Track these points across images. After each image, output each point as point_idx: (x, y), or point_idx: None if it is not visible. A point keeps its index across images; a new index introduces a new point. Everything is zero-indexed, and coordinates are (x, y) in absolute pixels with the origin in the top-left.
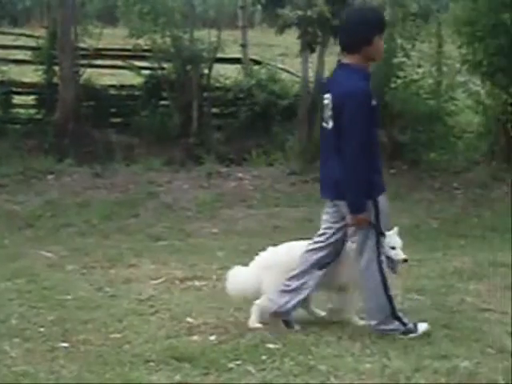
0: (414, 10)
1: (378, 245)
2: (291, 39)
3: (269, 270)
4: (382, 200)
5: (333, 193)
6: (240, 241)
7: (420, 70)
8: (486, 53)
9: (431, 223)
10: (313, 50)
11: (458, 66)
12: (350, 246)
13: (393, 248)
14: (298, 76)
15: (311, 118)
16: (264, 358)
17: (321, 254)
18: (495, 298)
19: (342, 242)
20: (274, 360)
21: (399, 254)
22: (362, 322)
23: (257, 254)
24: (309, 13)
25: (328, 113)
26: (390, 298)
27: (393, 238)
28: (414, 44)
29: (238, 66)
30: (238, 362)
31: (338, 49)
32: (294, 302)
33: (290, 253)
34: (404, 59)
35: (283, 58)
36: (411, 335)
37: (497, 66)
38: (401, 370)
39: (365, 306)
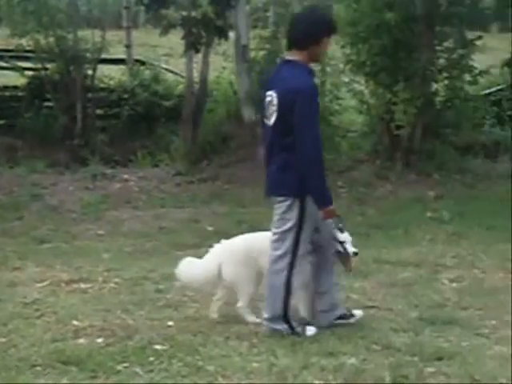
0: (297, 11)
1: (296, 247)
2: (176, 40)
3: (228, 261)
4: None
5: (277, 189)
6: (126, 242)
7: None
8: (369, 53)
9: None
10: (197, 51)
11: (341, 66)
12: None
13: (342, 243)
14: (182, 76)
15: (196, 118)
16: (152, 359)
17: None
18: (380, 294)
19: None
20: (162, 361)
21: (349, 248)
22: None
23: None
24: (193, 13)
25: (271, 109)
26: (286, 301)
27: (339, 234)
28: None
29: (123, 66)
30: (125, 364)
31: (221, 49)
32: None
33: (247, 243)
34: None
35: (168, 58)
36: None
37: (380, 66)
38: (288, 368)
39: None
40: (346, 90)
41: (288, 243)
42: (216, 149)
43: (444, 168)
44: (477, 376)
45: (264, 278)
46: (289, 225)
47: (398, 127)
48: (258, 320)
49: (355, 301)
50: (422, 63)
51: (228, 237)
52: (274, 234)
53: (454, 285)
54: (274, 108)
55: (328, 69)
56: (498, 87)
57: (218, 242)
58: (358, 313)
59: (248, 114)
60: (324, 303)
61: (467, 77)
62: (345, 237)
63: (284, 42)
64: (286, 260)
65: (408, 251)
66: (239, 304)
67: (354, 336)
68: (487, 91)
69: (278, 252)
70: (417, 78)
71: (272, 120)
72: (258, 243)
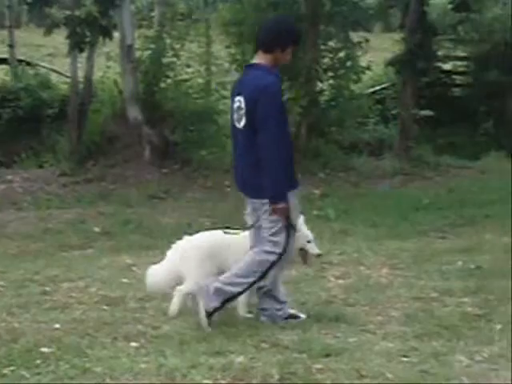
0: (182, 10)
1: (287, 243)
2: (60, 39)
3: (188, 257)
4: (292, 196)
5: (249, 192)
6: (10, 244)
7: (189, 70)
8: (254, 52)
9: (203, 222)
10: (81, 50)
11: (227, 65)
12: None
13: (308, 242)
14: (67, 76)
15: (81, 118)
16: (38, 362)
17: None
18: None
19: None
20: (49, 364)
21: (314, 248)
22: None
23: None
24: (77, 12)
25: (240, 112)
26: (241, 291)
27: (308, 232)
28: (183, 44)
29: (6, 66)
30: (11, 368)
31: (107, 49)
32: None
33: (210, 240)
34: (173, 59)
35: (51, 58)
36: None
37: None
38: (177, 368)
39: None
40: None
41: (281, 241)
42: (102, 149)
43: (329, 166)
44: (364, 372)
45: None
46: (279, 225)
47: None
48: (173, 312)
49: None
50: (306, 63)
51: (114, 237)
52: (265, 237)
53: (341, 282)
54: (243, 112)
55: (214, 68)
56: (382, 86)
57: (104, 242)
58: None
59: (133, 113)
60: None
61: (352, 76)
62: (311, 236)
63: (169, 41)
64: (273, 257)
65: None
66: (181, 287)
67: (241, 335)
68: (371, 90)
69: (267, 248)
70: (302, 77)
71: (242, 123)
72: (219, 240)
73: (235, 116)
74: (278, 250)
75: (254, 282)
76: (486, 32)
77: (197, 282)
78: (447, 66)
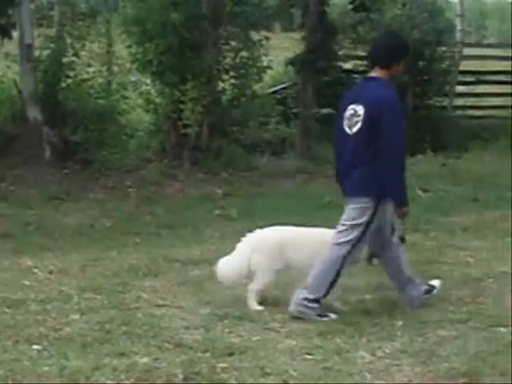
0: (82, 9)
1: (361, 238)
2: None
3: (260, 251)
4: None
5: (359, 191)
6: None
7: (90, 70)
8: (155, 52)
9: (105, 222)
10: None
11: (128, 65)
12: None
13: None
14: None
15: None
16: None
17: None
18: (171, 293)
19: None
20: None
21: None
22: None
23: None
24: None
25: (353, 119)
26: (331, 285)
27: None
28: (83, 43)
29: None
30: None
31: (5, 48)
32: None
33: (283, 235)
34: (74, 58)
35: None
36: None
37: (166, 65)
38: (80, 370)
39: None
40: (133, 89)
41: (355, 234)
42: (0, 150)
43: (231, 166)
44: (268, 369)
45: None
46: (361, 220)
47: (186, 126)
48: (258, 308)
49: (146, 300)
50: (208, 62)
51: (14, 239)
52: (343, 225)
53: (244, 281)
54: (359, 119)
55: (115, 68)
56: (283, 85)
57: (4, 244)
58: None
59: (33, 114)
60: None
61: (254, 76)
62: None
63: (69, 40)
64: (347, 247)
65: (198, 249)
66: (251, 286)
67: (145, 335)
68: (272, 89)
69: (342, 240)
70: (203, 77)
71: (354, 129)
72: (289, 236)
73: (346, 122)
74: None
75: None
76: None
77: (265, 281)
78: (348, 66)
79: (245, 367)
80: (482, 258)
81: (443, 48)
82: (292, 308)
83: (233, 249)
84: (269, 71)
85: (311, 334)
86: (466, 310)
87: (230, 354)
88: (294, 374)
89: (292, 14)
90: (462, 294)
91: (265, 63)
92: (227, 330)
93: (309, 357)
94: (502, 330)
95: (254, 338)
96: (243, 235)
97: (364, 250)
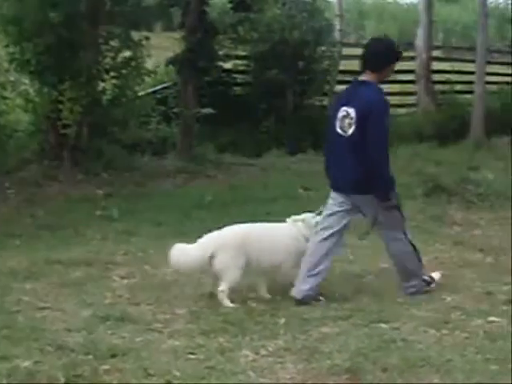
0: None
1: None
2: None
3: (223, 251)
4: None
5: (349, 189)
6: None
7: None
8: (33, 51)
9: None
10: None
11: (6, 65)
12: None
13: None
14: None
15: None
16: None
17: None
18: (52, 295)
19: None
20: None
21: None
22: None
23: None
24: None
25: (346, 121)
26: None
27: None
28: None
29: None
30: None
31: None
32: (315, 285)
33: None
34: None
35: None
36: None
37: (45, 65)
38: None
39: None
40: (11, 89)
41: (395, 220)
42: None
43: (112, 166)
44: (151, 370)
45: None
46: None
47: (65, 126)
48: (231, 305)
49: (27, 302)
50: (87, 62)
51: None
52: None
53: (126, 281)
54: (352, 121)
55: None
56: (164, 85)
57: None
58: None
59: None
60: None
61: (135, 76)
62: None
63: None
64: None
65: (79, 250)
66: (220, 288)
67: (26, 338)
68: (153, 89)
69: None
70: (82, 76)
71: (350, 131)
72: (250, 233)
73: (338, 123)
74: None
75: None
76: (266, 32)
77: (232, 279)
78: (228, 65)
79: (128, 368)
80: (363, 254)
81: (323, 48)
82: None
83: (115, 249)
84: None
85: (194, 334)
86: (348, 306)
87: (113, 356)
88: (178, 374)
89: (172, 13)
90: (343, 290)
91: (147, 64)
92: (109, 332)
93: (192, 356)
94: (383, 326)
95: (137, 339)
96: (125, 236)
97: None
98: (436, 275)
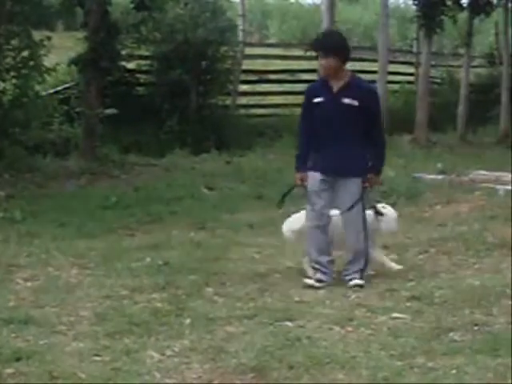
0: None
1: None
2: None
3: None
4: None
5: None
6: None
7: None
8: None
9: None
10: None
11: None
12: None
13: None
14: None
15: None
16: None
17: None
18: None
19: None
20: None
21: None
22: None
23: None
24: None
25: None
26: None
27: None
28: None
29: None
30: None
31: None
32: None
33: None
34: None
35: None
36: None
37: None
38: None
39: None
40: None
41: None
42: None
43: (14, 167)
44: (56, 373)
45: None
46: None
47: None
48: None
49: None
50: None
51: None
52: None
53: (29, 284)
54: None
55: None
56: (66, 85)
57: None
58: None
59: None
60: None
61: (36, 76)
62: None
63: None
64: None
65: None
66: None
67: None
68: (55, 89)
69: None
70: None
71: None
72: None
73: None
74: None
75: None
76: (169, 32)
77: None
78: (131, 65)
79: (32, 372)
80: (268, 254)
81: (225, 47)
82: None
83: (18, 251)
84: (52, 72)
85: (99, 336)
86: (253, 305)
87: (17, 359)
88: (83, 376)
89: (75, 12)
90: (248, 289)
91: (47, 63)
92: (13, 335)
93: (97, 358)
94: (288, 324)
95: (41, 342)
96: (28, 238)
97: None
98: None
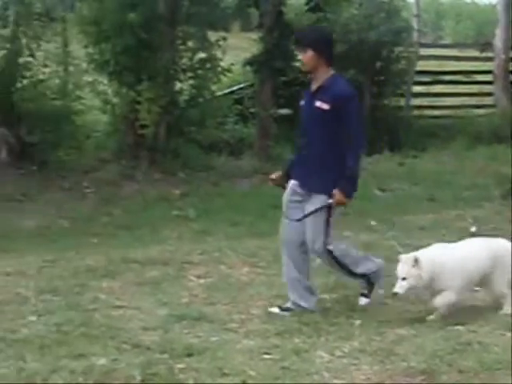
0: (38, 10)
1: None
2: None
3: None
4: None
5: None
6: None
7: (46, 70)
8: (112, 52)
9: (62, 223)
10: None
11: (84, 65)
12: None
13: None
14: None
15: None
16: None
17: None
18: (128, 294)
19: None
20: None
21: None
22: None
23: None
24: None
25: None
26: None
27: None
28: (39, 44)
29: None
30: None
31: None
32: None
33: None
34: (30, 59)
35: None
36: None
37: (123, 65)
38: (37, 372)
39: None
40: (90, 89)
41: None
42: None
43: (189, 166)
44: (226, 370)
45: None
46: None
47: (143, 126)
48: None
49: (103, 301)
50: (164, 63)
51: None
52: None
53: (202, 281)
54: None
55: (71, 68)
56: (240, 85)
57: None
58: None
59: None
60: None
61: (212, 76)
62: None
63: (24, 40)
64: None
65: (155, 250)
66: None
67: (103, 336)
68: (230, 89)
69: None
70: (160, 77)
71: None
72: None
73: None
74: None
75: None
76: (343, 32)
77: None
78: None
79: (203, 368)
80: None
81: (400, 48)
82: None
83: (191, 248)
84: (228, 72)
85: (269, 334)
86: (424, 309)
87: (189, 355)
88: (253, 373)
89: (250, 14)
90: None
91: (223, 64)
92: (185, 331)
93: (267, 356)
94: (460, 328)
95: (213, 339)
96: (201, 235)
97: None
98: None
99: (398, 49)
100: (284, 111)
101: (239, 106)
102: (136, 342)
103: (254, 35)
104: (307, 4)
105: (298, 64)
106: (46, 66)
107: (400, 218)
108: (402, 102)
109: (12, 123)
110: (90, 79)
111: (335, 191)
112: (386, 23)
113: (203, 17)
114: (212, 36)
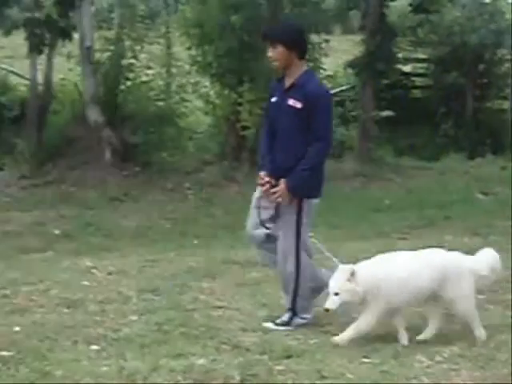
0: (142, 12)
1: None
2: (19, 41)
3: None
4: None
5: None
6: None
7: (150, 72)
8: (215, 54)
9: (164, 224)
10: (40, 52)
11: (187, 67)
12: None
13: None
14: (26, 79)
15: (40, 121)
16: None
17: None
18: (228, 295)
19: None
20: (9, 368)
21: None
22: None
23: None
24: (36, 14)
25: None
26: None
27: None
28: (142, 46)
29: None
30: None
31: (66, 50)
32: None
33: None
34: (133, 61)
35: (11, 60)
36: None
37: (226, 67)
38: (138, 371)
39: None
40: (192, 91)
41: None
42: (61, 151)
43: None
44: (325, 372)
45: None
46: None
47: (244, 128)
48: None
49: (203, 301)
50: (266, 65)
51: (74, 239)
52: None
53: None
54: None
55: (174, 70)
56: (342, 88)
57: (64, 244)
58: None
59: (93, 116)
60: None
61: None
62: None
63: (128, 42)
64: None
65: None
66: None
67: (203, 337)
68: (331, 92)
69: None
70: (261, 79)
71: None
72: None
73: None
74: None
75: None
76: (446, 34)
77: None
78: (407, 68)
79: (302, 370)
80: None
81: (503, 50)
82: None
83: None
84: (328, 72)
85: (368, 338)
86: None
87: (288, 357)
88: (351, 377)
89: (351, 16)
90: None
91: (325, 66)
92: (284, 333)
93: (366, 360)
94: None
95: (311, 341)
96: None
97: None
98: None
99: (500, 51)
100: (386, 113)
101: (340, 109)
102: (235, 343)
103: (356, 37)
104: (411, 5)
105: (399, 66)
106: (149, 67)
107: (502, 222)
108: (505, 104)
109: (116, 124)
110: (192, 81)
111: (281, 181)
112: (488, 25)
113: (305, 19)
114: (314, 38)
